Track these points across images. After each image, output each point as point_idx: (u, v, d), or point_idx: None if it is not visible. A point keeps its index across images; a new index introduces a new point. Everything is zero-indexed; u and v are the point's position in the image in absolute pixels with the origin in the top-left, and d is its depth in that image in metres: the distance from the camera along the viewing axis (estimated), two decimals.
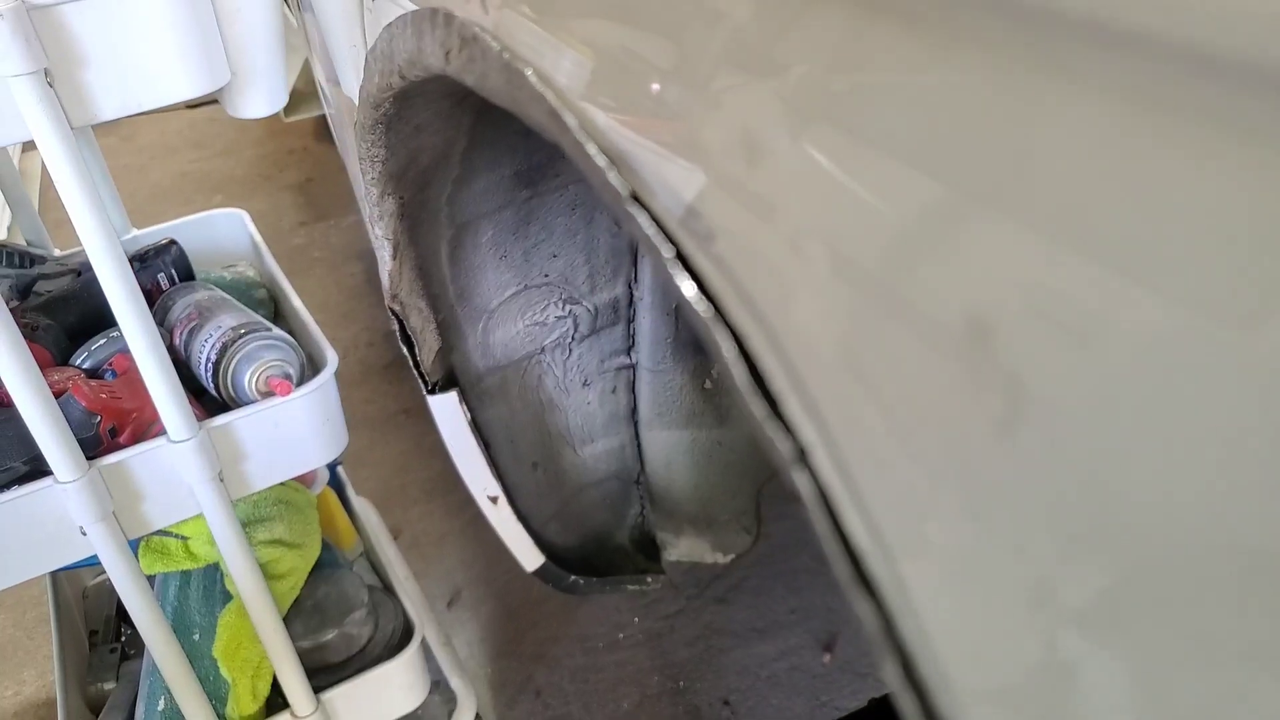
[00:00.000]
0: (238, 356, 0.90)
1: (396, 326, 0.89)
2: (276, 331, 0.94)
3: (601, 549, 1.07)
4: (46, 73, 0.69)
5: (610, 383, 0.98)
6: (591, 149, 0.40)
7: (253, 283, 1.20)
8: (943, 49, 0.26)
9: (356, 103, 0.77)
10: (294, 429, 0.93)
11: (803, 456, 0.31)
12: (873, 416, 0.28)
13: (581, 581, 1.02)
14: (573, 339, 0.93)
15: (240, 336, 0.92)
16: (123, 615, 1.34)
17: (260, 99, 0.86)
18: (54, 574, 1.36)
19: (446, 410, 0.92)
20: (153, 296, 1.09)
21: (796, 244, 0.31)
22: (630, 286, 0.94)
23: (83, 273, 1.13)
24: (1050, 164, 0.23)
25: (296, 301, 1.05)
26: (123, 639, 1.31)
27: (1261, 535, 0.19)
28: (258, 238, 1.24)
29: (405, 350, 0.91)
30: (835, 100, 0.29)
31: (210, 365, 0.91)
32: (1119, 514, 0.21)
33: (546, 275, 0.88)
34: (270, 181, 3.25)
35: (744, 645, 1.51)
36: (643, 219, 0.38)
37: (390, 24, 0.64)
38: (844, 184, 0.29)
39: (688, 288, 0.36)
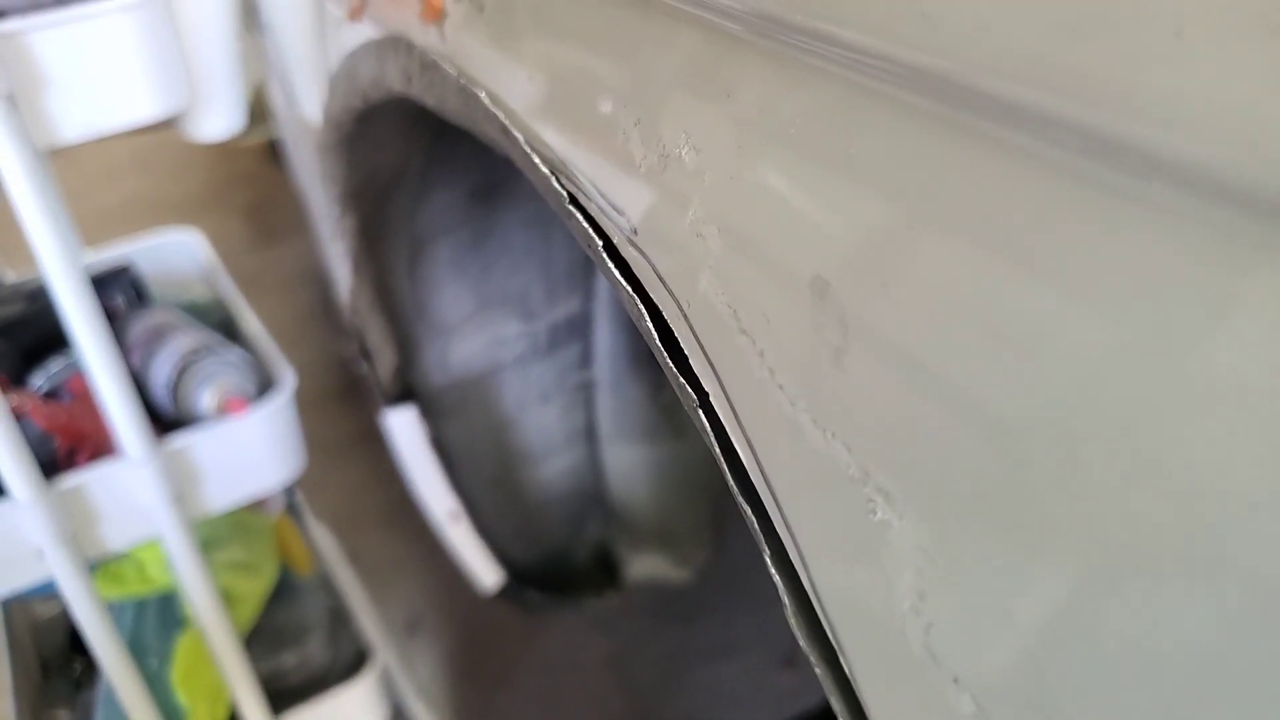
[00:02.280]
0: (196, 377, 0.90)
1: (356, 342, 0.90)
2: (235, 351, 0.94)
3: (560, 568, 1.08)
4: (10, 96, 0.69)
5: (569, 399, 1.00)
6: (536, 159, 0.45)
7: (207, 305, 1.19)
8: (789, 78, 0.34)
9: (320, 123, 0.79)
10: (253, 448, 0.93)
11: (705, 401, 0.40)
12: (752, 363, 0.36)
13: (541, 598, 1.03)
14: (532, 355, 0.94)
15: (198, 357, 0.92)
16: (76, 645, 1.32)
17: (219, 120, 0.87)
18: (6, 604, 1.33)
19: (403, 426, 0.93)
20: (109, 319, 1.08)
21: (698, 233, 0.38)
22: (587, 302, 0.96)
23: (37, 297, 1.12)
24: (861, 168, 0.31)
25: (253, 322, 1.05)
26: (77, 668, 1.29)
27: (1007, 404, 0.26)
28: (213, 259, 1.23)
29: (365, 365, 0.92)
30: (723, 124, 0.37)
31: (169, 386, 0.91)
32: (919, 417, 0.29)
33: (505, 292, 0.89)
34: (219, 206, 3.23)
35: (707, 664, 1.51)
36: (579, 217, 0.44)
37: (354, 50, 0.66)
38: (730, 186, 0.37)
39: (611, 273, 0.43)
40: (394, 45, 0.59)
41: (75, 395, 0.92)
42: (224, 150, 3.54)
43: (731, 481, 0.39)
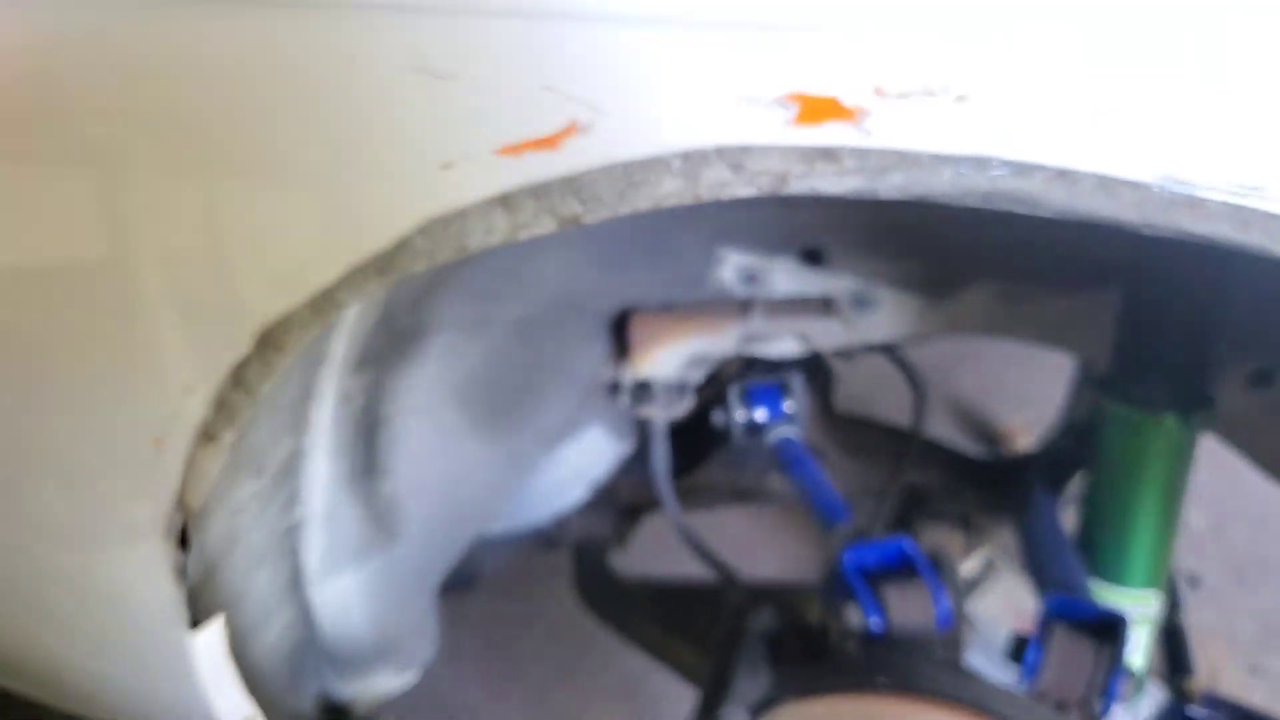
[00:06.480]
0: None
1: (183, 561, 0.69)
2: None
3: None
4: None
5: (277, 551, 0.86)
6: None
7: None
8: None
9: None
10: None
11: None
12: None
13: None
14: (260, 514, 0.80)
15: None
16: None
17: None
18: None
19: (210, 645, 0.74)
20: None
21: None
22: (301, 437, 0.83)
23: None
24: None
25: None
26: None
27: None
28: None
29: (185, 590, 0.70)
30: None
31: None
32: None
33: (251, 448, 0.74)
34: None
35: None
36: None
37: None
38: None
39: None
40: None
41: None
42: None
43: None
